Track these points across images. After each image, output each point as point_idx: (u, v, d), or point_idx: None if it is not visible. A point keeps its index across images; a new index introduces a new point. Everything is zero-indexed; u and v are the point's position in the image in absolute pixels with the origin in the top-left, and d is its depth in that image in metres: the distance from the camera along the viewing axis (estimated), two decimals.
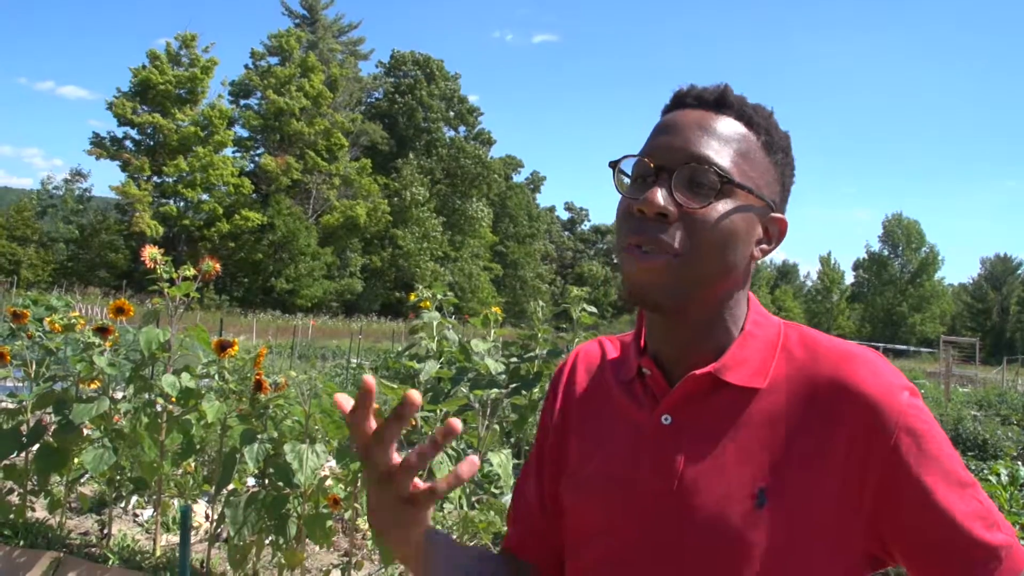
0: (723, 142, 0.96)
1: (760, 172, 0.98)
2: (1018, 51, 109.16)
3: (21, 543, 4.05)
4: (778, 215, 1.01)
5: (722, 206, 0.94)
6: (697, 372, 0.97)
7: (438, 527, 3.31)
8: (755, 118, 0.99)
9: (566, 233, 75.36)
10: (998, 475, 7.00)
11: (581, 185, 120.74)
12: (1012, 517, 5.69)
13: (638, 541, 0.98)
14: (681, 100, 1.01)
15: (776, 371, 0.98)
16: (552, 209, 73.57)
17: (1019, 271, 73.52)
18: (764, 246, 1.00)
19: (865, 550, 0.95)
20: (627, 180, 1.01)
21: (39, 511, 4.57)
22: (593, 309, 4.81)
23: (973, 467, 8.47)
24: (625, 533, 0.99)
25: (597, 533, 1.03)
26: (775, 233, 1.01)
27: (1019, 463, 7.68)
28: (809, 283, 76.92)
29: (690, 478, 0.95)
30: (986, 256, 78.13)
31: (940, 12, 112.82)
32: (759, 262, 1.02)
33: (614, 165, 1.01)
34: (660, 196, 0.92)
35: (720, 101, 0.98)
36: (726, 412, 0.97)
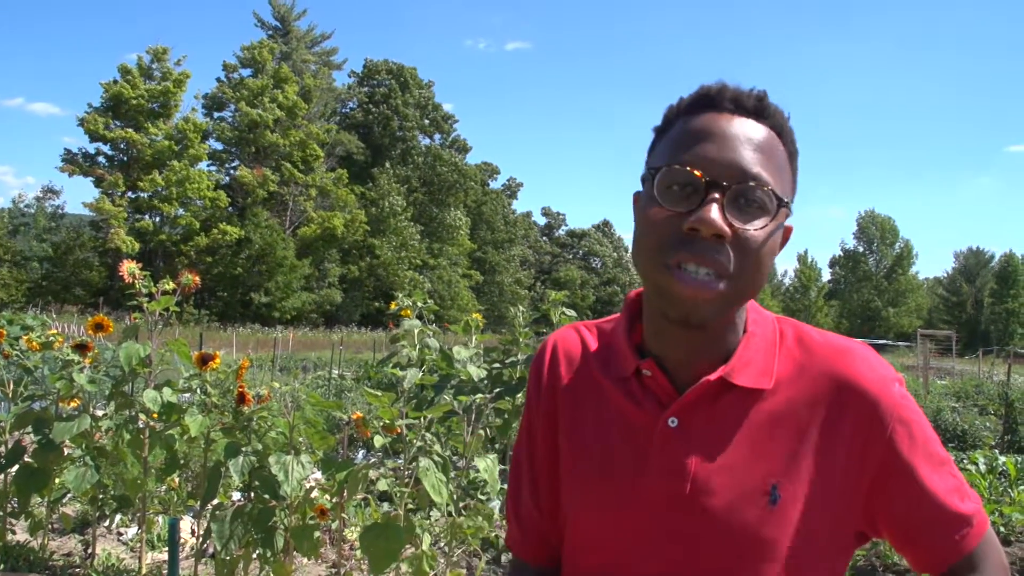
0: (767, 157, 0.94)
1: (788, 184, 0.98)
2: (987, 47, 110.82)
3: (2, 567, 4.01)
4: (788, 224, 1.01)
5: (769, 226, 0.93)
6: (711, 378, 0.97)
7: (426, 534, 3.31)
8: (785, 127, 0.98)
9: (544, 238, 75.51)
10: (976, 464, 7.09)
11: (557, 190, 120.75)
12: (991, 505, 5.77)
13: (647, 544, 0.99)
14: (714, 101, 0.97)
15: (779, 370, 1.00)
16: (529, 214, 73.75)
17: (992, 264, 74.45)
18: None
19: (857, 529, 1.01)
20: (655, 185, 0.95)
21: (20, 533, 4.52)
22: (573, 312, 4.83)
23: (953, 457, 8.58)
24: (632, 536, 1.00)
25: (601, 537, 1.03)
26: (783, 240, 1.02)
27: (997, 452, 7.78)
28: (787, 281, 77.48)
29: (703, 480, 0.96)
30: (959, 250, 79.23)
31: (909, 11, 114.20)
32: None
33: (654, 172, 0.95)
34: (717, 216, 0.89)
35: (758, 109, 0.96)
36: (734, 413, 0.98)
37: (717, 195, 0.90)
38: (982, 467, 6.96)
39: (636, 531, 0.99)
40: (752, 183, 0.91)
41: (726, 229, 0.89)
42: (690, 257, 0.90)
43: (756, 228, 0.91)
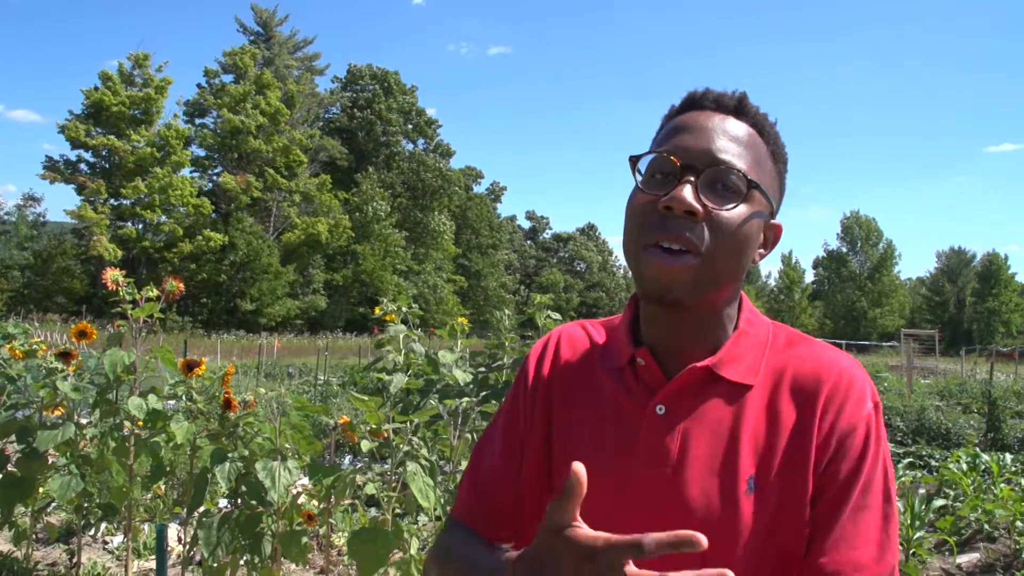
0: (742, 147, 1.01)
1: (769, 179, 1.04)
2: (966, 50, 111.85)
3: None
4: (776, 222, 1.07)
5: (743, 210, 0.99)
6: (697, 365, 1.02)
7: (414, 539, 3.31)
8: (767, 127, 1.05)
9: (528, 242, 75.52)
10: (958, 461, 7.14)
11: (541, 194, 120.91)
12: (975, 501, 5.81)
13: (631, 526, 0.99)
14: (698, 102, 1.05)
15: (766, 369, 1.04)
16: (513, 219, 73.75)
17: (974, 263, 75.04)
18: (762, 251, 1.07)
19: None
20: (639, 177, 1.03)
21: (3, 544, 4.49)
22: (558, 315, 4.84)
23: (936, 455, 8.64)
24: (616, 523, 1.00)
25: (589, 520, 1.05)
26: (771, 239, 1.08)
27: (979, 450, 7.84)
28: (771, 282, 77.85)
29: (683, 467, 1.01)
30: (941, 250, 79.80)
31: (890, 12, 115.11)
32: None
33: (635, 160, 1.03)
34: (689, 194, 0.96)
35: (739, 107, 1.04)
36: (718, 405, 1.02)
37: (692, 178, 0.98)
38: (964, 465, 7.02)
39: (621, 518, 1.01)
40: (723, 166, 0.98)
41: (696, 206, 0.96)
42: (663, 235, 0.97)
43: (728, 209, 0.98)
